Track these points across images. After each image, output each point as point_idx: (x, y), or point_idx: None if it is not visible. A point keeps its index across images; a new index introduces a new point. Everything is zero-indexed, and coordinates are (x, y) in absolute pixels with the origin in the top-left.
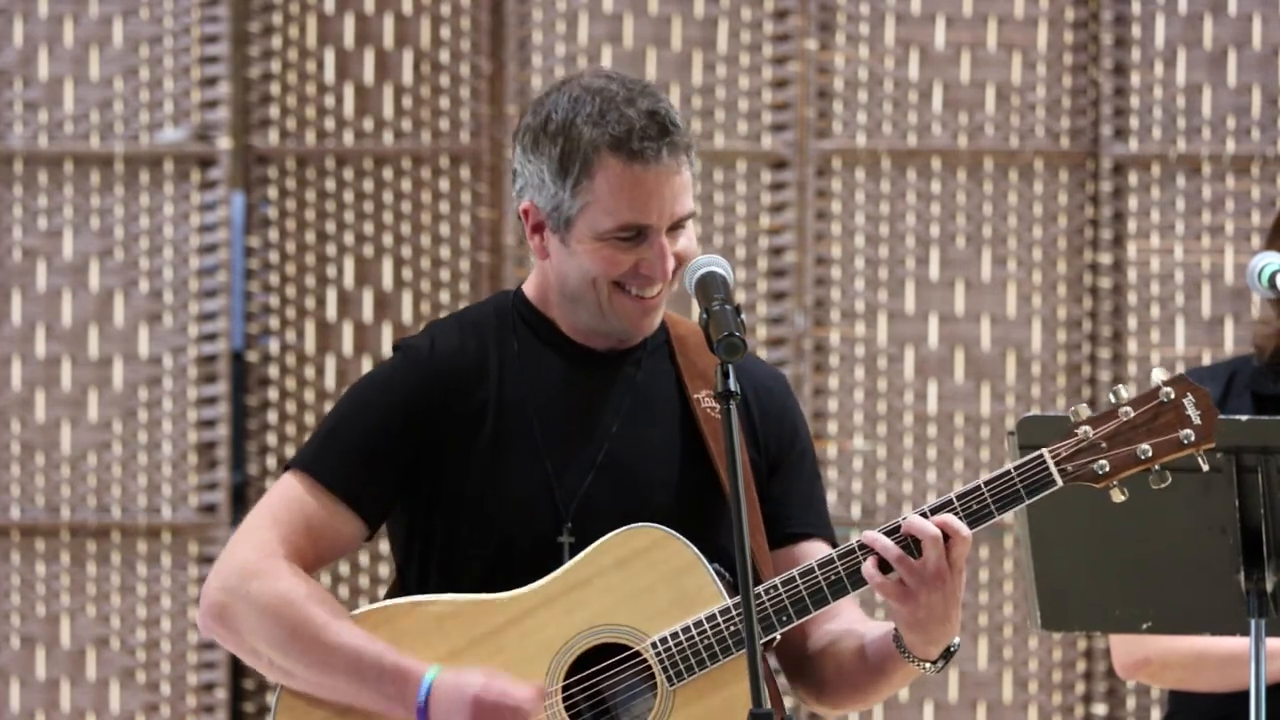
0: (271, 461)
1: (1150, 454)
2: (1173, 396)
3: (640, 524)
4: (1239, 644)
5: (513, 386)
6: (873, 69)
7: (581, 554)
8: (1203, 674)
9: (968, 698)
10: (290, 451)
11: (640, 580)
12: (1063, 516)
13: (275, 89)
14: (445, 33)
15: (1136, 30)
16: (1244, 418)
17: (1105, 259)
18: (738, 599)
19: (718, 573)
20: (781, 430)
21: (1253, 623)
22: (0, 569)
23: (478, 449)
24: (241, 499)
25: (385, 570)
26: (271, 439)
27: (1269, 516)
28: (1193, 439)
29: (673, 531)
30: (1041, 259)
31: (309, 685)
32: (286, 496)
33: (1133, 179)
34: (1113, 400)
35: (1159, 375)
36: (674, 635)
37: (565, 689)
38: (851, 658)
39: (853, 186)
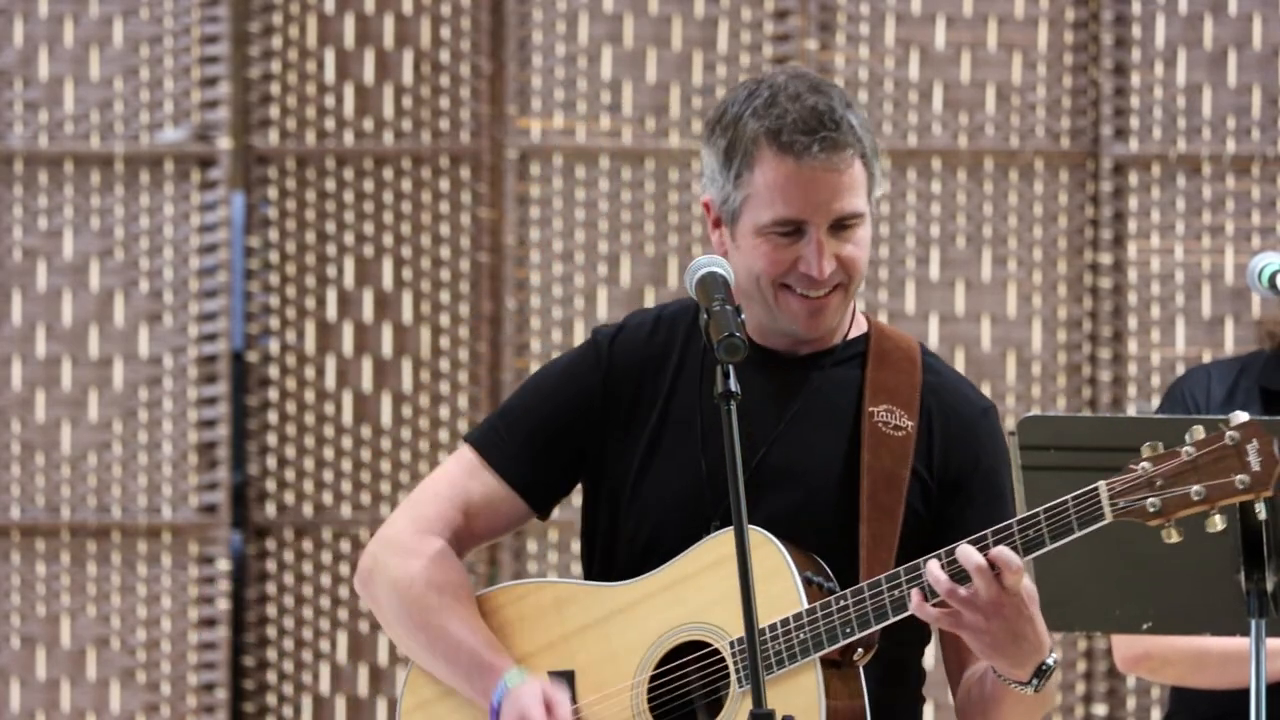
0: (271, 462)
1: (1204, 496)
2: (1237, 440)
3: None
4: (1240, 640)
5: (687, 384)
6: (873, 69)
7: (689, 550)
8: (1203, 670)
9: None
10: (290, 452)
11: (733, 581)
12: None
13: (275, 89)
14: (445, 33)
15: (1136, 30)
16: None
17: (1105, 259)
18: (812, 606)
19: (807, 580)
20: (963, 456)
21: (1253, 623)
22: (0, 569)
23: (641, 442)
24: (241, 499)
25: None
26: (271, 439)
27: (1269, 516)
28: (1248, 484)
29: (769, 535)
30: (1041, 259)
31: (422, 664)
32: (453, 470)
33: (1133, 179)
34: (1187, 439)
35: (1240, 417)
36: None
37: (652, 679)
38: (975, 688)
39: None
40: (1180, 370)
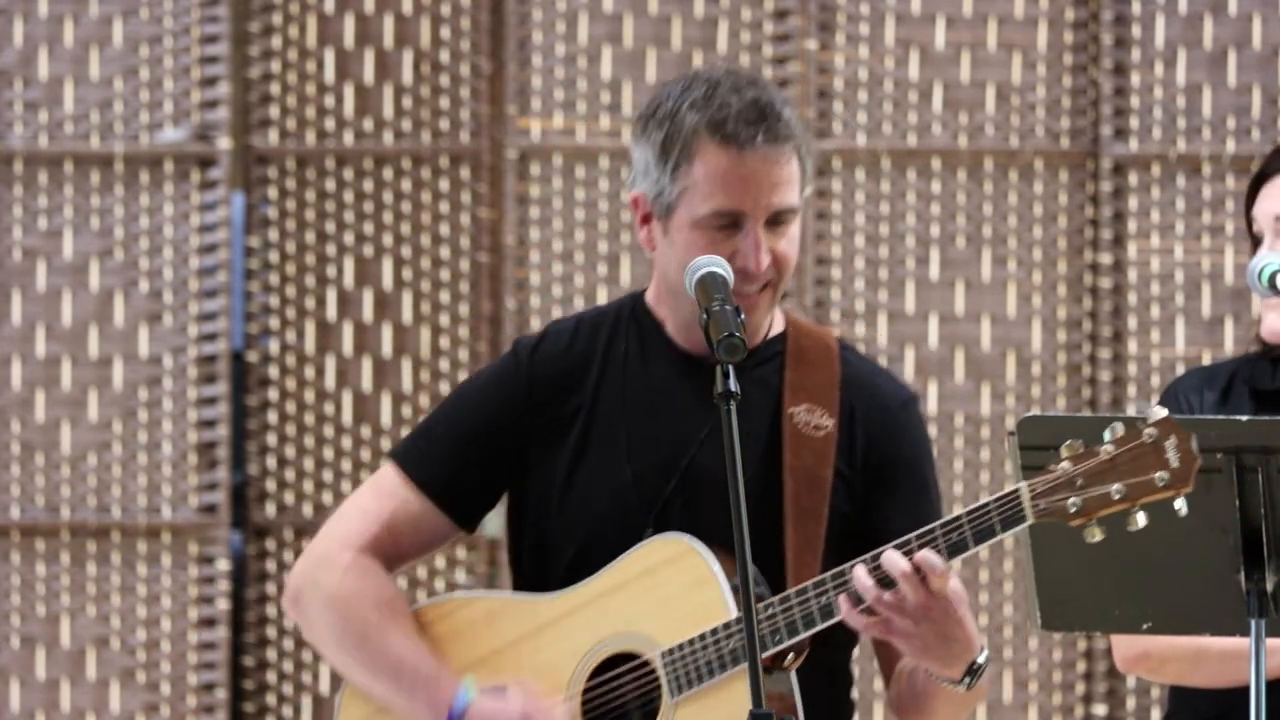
0: (271, 462)
1: (1124, 494)
2: (1155, 436)
3: (670, 534)
4: (1239, 639)
5: (611, 390)
6: (873, 69)
7: (618, 560)
8: (1202, 668)
9: None
10: (290, 452)
11: (661, 590)
12: None
13: (275, 89)
14: (445, 33)
15: (1136, 30)
16: (1244, 418)
17: (1105, 259)
18: (739, 615)
19: (734, 588)
20: (885, 447)
21: (1253, 623)
22: (0, 569)
23: (566, 452)
24: (241, 499)
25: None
26: (271, 439)
27: (1269, 516)
28: (1167, 481)
29: (696, 543)
30: (1041, 259)
31: (360, 682)
32: (378, 487)
33: (1133, 179)
34: (1106, 436)
35: (1158, 412)
36: (680, 648)
37: (586, 691)
38: (906, 683)
39: (853, 186)
40: (1180, 370)
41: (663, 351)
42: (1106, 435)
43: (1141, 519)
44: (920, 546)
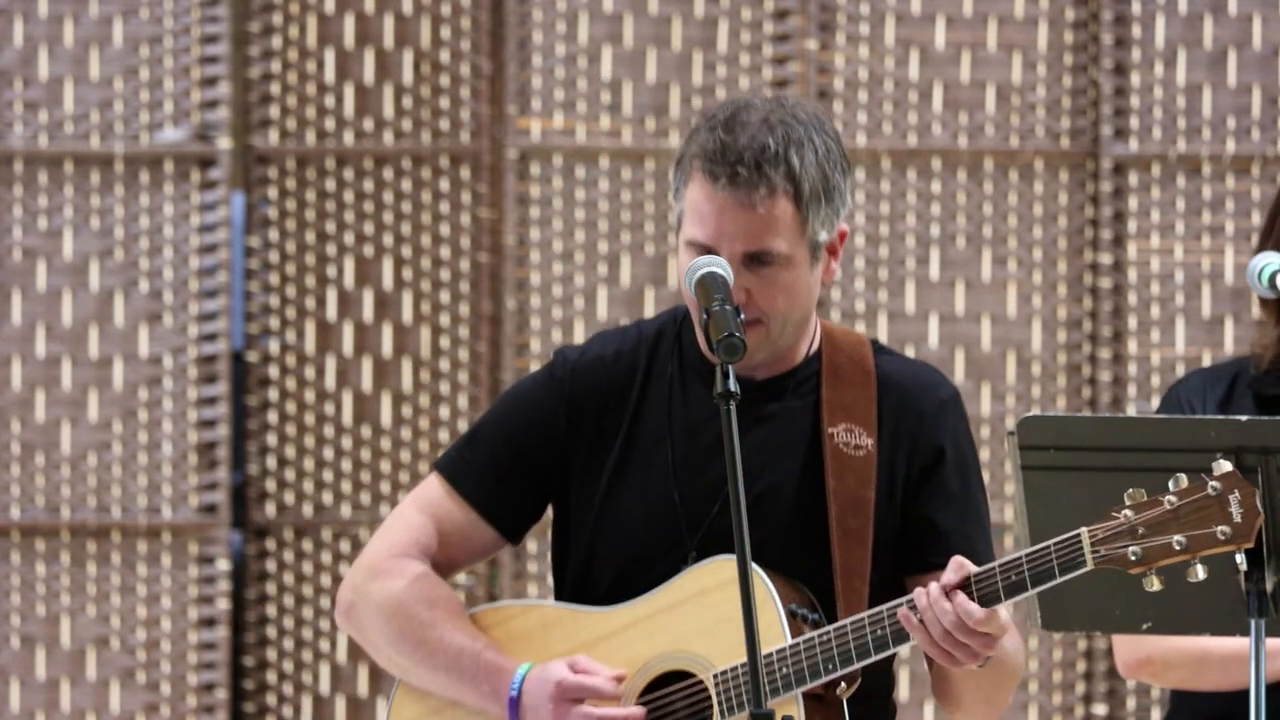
0: (271, 462)
1: (1185, 546)
2: (1219, 490)
3: (726, 555)
4: (1241, 643)
5: (653, 408)
6: (873, 69)
7: (673, 579)
8: (1205, 673)
9: None
10: (290, 452)
11: (717, 611)
12: (1063, 516)
13: (275, 89)
14: (445, 33)
15: (1136, 30)
16: (1244, 418)
17: (1105, 259)
18: (797, 640)
19: (791, 613)
20: (927, 453)
21: (1253, 623)
22: (0, 569)
23: (610, 467)
24: (241, 499)
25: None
26: (271, 439)
27: (1269, 516)
28: (1230, 536)
29: (755, 567)
30: (1041, 259)
31: (421, 681)
32: (424, 498)
33: (1133, 179)
34: (1171, 486)
35: (1223, 466)
36: (733, 669)
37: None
38: (935, 667)
39: (853, 187)
40: (1180, 370)
41: (700, 371)
42: (1170, 485)
43: (1201, 571)
44: (978, 585)
